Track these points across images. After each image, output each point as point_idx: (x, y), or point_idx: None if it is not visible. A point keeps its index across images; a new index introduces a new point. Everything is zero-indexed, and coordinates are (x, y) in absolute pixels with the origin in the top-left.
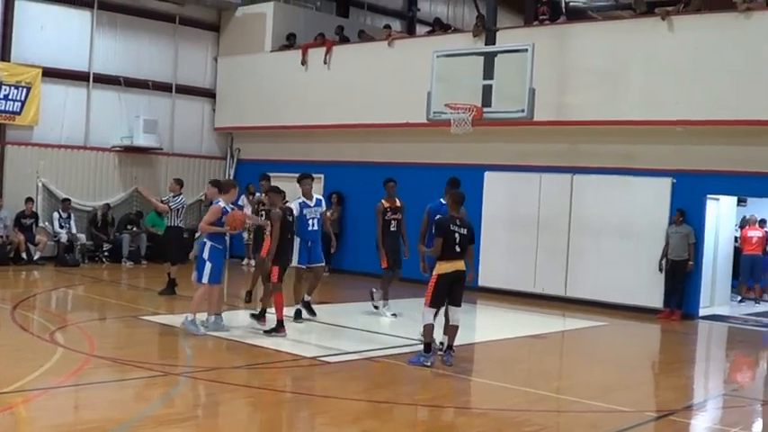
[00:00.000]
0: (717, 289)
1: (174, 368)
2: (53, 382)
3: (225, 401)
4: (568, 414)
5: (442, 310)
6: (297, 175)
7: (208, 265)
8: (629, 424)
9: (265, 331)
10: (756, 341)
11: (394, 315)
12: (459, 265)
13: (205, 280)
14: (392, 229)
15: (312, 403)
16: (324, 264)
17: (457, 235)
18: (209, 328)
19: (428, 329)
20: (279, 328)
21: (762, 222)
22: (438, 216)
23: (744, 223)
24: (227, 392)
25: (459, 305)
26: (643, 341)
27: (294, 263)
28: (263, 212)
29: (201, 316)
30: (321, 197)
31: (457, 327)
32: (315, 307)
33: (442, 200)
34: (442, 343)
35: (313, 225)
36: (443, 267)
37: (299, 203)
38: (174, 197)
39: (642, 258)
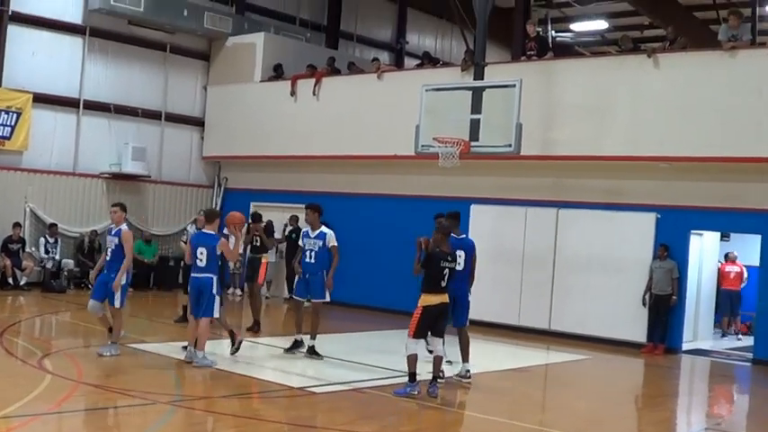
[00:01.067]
0: (700, 323)
1: (162, 397)
2: (43, 409)
3: (213, 431)
4: None
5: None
6: (284, 205)
7: (217, 299)
8: None
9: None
10: (738, 375)
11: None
12: (444, 298)
13: (216, 314)
14: None
15: None
16: (322, 300)
17: (446, 270)
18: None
19: (412, 360)
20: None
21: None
22: (431, 251)
23: (723, 258)
24: (215, 422)
25: (441, 336)
26: (627, 375)
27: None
28: (258, 238)
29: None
30: (327, 231)
31: (441, 357)
32: (302, 337)
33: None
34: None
35: (310, 257)
36: (428, 300)
37: (303, 232)
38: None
39: (626, 292)
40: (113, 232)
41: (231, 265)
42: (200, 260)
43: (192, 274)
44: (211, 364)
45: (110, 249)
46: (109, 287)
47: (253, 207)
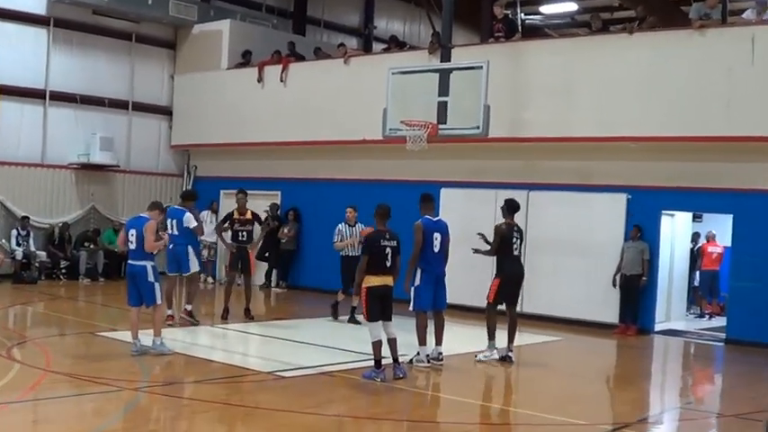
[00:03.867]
0: (672, 304)
1: (130, 383)
2: (10, 398)
3: (181, 416)
4: (523, 427)
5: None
6: (254, 192)
7: (156, 286)
8: None
9: None
10: (711, 355)
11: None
12: (388, 280)
13: (159, 300)
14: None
15: (266, 417)
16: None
17: (388, 249)
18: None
19: (376, 346)
20: None
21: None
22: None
23: (704, 238)
24: (183, 407)
25: (389, 319)
26: (599, 356)
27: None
28: (244, 231)
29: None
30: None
31: (395, 339)
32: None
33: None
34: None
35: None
36: (372, 281)
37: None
38: (350, 227)
39: (598, 274)
40: None
41: (204, 253)
42: (131, 242)
43: (128, 261)
44: (169, 351)
45: None
46: None
47: (222, 195)
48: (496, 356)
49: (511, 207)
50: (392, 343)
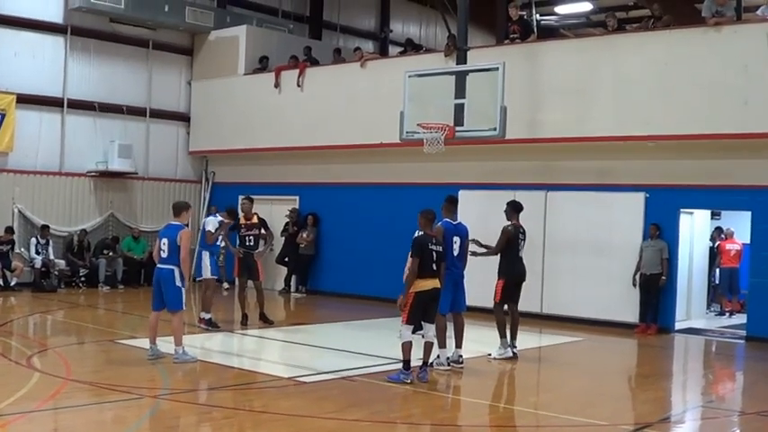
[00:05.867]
0: (692, 302)
1: (150, 391)
2: (30, 407)
3: (201, 423)
4: (545, 429)
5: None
6: (272, 197)
7: (183, 292)
8: None
9: None
10: (732, 353)
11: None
12: (436, 282)
13: (184, 306)
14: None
15: (287, 423)
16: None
17: (434, 253)
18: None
19: (406, 347)
20: None
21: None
22: (415, 235)
23: (722, 236)
24: (204, 414)
25: (433, 322)
26: (620, 355)
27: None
28: (250, 236)
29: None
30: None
31: (432, 343)
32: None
33: (449, 219)
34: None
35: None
36: (422, 285)
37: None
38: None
39: (617, 273)
40: None
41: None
42: (163, 251)
43: (157, 266)
44: (192, 359)
45: None
46: None
47: (241, 200)
48: (510, 354)
49: (515, 208)
50: (427, 346)
